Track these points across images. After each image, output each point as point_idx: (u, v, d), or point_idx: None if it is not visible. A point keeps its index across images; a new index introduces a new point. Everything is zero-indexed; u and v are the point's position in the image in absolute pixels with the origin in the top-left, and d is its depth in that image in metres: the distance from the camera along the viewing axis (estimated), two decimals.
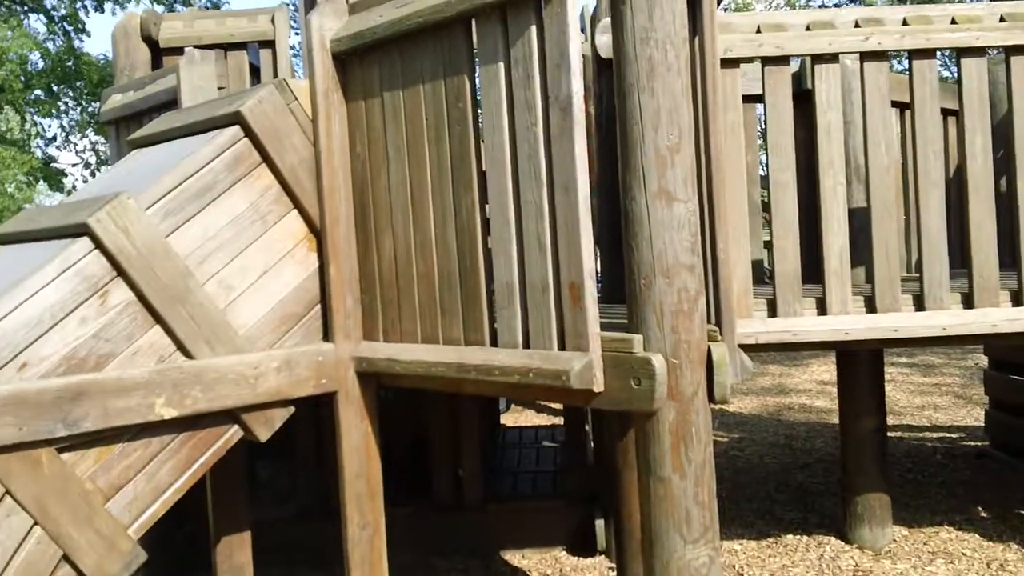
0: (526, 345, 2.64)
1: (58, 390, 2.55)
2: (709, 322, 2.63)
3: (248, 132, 3.02)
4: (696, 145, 2.68)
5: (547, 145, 2.51)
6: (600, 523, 4.48)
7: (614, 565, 4.28)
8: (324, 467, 4.66)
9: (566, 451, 5.05)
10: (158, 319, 2.80)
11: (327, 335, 3.17)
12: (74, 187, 17.61)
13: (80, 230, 2.70)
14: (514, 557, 4.66)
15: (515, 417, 7.98)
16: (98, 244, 2.69)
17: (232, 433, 2.96)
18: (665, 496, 2.47)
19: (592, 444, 5.02)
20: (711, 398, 2.51)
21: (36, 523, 2.53)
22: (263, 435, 3.00)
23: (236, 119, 3.02)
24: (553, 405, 8.22)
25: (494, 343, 2.74)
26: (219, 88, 4.01)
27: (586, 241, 2.45)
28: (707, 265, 2.69)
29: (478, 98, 2.76)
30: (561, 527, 4.64)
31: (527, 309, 2.63)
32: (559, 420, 7.48)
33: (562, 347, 2.54)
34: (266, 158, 3.06)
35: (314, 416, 4.52)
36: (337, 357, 3.12)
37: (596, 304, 2.47)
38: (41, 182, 17.23)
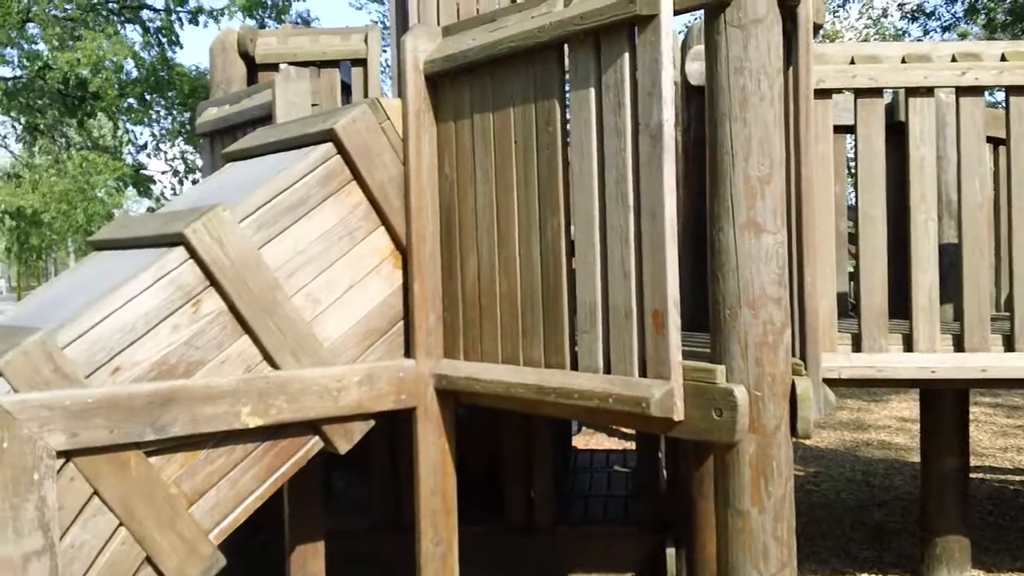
0: (607, 370, 2.63)
1: (149, 395, 2.63)
2: (793, 355, 2.59)
3: (341, 149, 3.09)
4: (786, 175, 2.64)
5: (635, 171, 2.51)
6: (671, 552, 4.42)
7: None
8: (398, 481, 4.71)
9: (638, 477, 5.00)
10: (247, 329, 2.87)
11: (408, 351, 3.21)
12: (162, 194, 18.20)
13: (176, 240, 2.79)
14: None
15: (586, 439, 7.94)
16: (193, 254, 2.78)
17: (313, 444, 3.02)
18: (743, 529, 2.43)
19: (665, 471, 4.96)
20: (793, 432, 2.47)
21: (121, 524, 2.62)
22: (343, 448, 3.05)
23: (330, 136, 3.09)
24: (624, 429, 8.15)
25: (574, 366, 2.74)
26: (312, 104, 4.11)
27: (671, 268, 2.44)
28: (793, 297, 2.65)
29: (567, 122, 2.77)
30: (632, 554, 4.59)
31: (609, 334, 2.62)
32: (630, 444, 7.42)
33: (643, 374, 2.53)
34: (357, 175, 3.13)
35: (389, 430, 4.57)
36: (418, 373, 3.16)
37: (679, 332, 2.45)
38: (130, 188, 17.88)
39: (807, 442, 8.24)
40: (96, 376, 2.59)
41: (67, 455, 2.50)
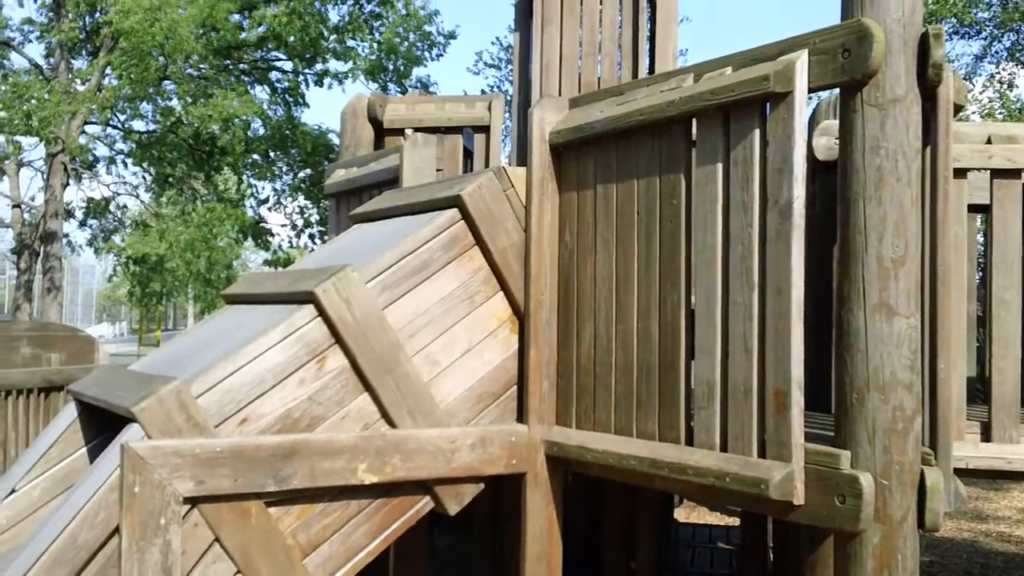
0: (723, 448, 2.58)
1: (273, 447, 2.72)
2: (923, 443, 2.49)
3: (465, 215, 3.17)
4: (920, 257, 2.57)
5: (761, 247, 2.49)
6: None
7: None
8: (499, 543, 4.69)
9: (744, 556, 4.83)
10: (367, 387, 2.94)
11: (521, 416, 3.22)
12: (279, 247, 18.86)
13: (306, 298, 2.90)
14: None
15: (687, 512, 7.74)
16: (321, 312, 2.87)
17: (424, 504, 3.04)
18: None
19: (772, 552, 4.79)
20: (920, 525, 2.36)
21: (239, 572, 2.68)
22: (453, 509, 3.06)
23: (456, 202, 3.17)
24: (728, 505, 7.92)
25: (689, 442, 2.70)
26: (437, 169, 4.24)
27: (796, 347, 2.39)
28: (924, 383, 2.56)
29: (691, 196, 2.78)
30: None
31: (727, 411, 2.58)
32: (733, 520, 7.20)
33: (762, 454, 2.47)
34: (479, 241, 3.20)
35: (492, 490, 4.58)
36: (529, 439, 3.16)
37: (802, 413, 2.39)
38: (249, 240, 18.60)
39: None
40: (225, 426, 2.69)
41: (193, 501, 2.59)
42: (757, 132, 2.50)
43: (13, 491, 3.12)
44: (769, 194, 2.46)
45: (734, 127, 2.57)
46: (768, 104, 2.47)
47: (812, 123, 3.84)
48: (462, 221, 3.19)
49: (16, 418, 7.89)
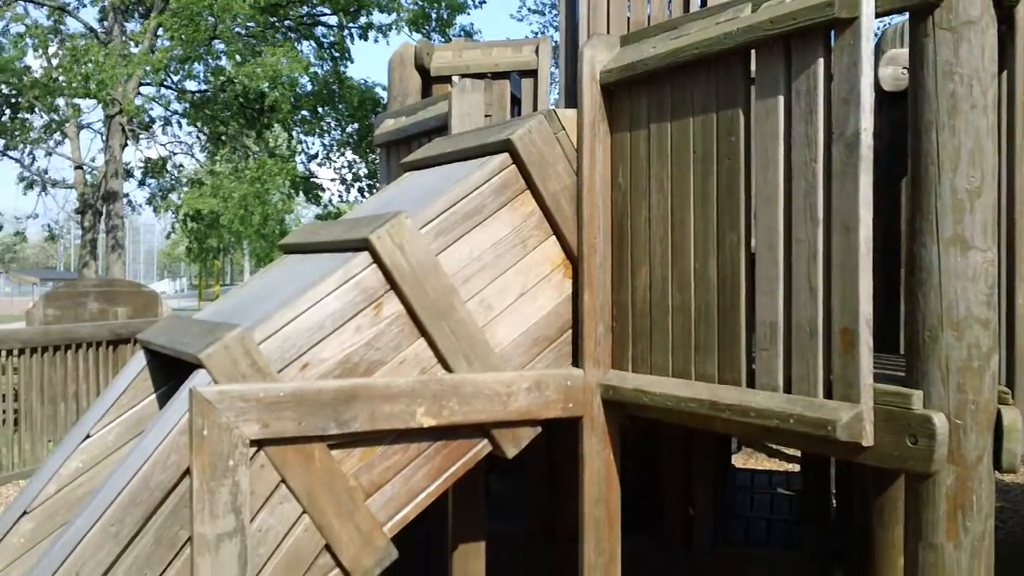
0: (787, 389, 2.54)
1: (334, 391, 2.75)
2: (1000, 382, 2.41)
3: (516, 159, 3.13)
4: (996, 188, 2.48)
5: (826, 182, 2.41)
6: None
7: None
8: (554, 488, 4.72)
9: (805, 501, 4.80)
10: (423, 332, 2.95)
11: (576, 361, 3.21)
12: (330, 201, 19.01)
13: (361, 245, 2.90)
14: None
15: (744, 459, 7.71)
16: (376, 259, 2.88)
17: (482, 447, 3.06)
18: (936, 565, 2.28)
19: (835, 497, 4.75)
20: (996, 466, 2.30)
21: (305, 512, 2.74)
22: (511, 452, 3.08)
23: (506, 147, 3.14)
24: (787, 451, 7.87)
25: (751, 384, 2.66)
26: (485, 115, 4.19)
27: (864, 285, 2.33)
28: (1000, 320, 2.47)
29: (750, 132, 2.70)
30: None
31: (791, 352, 2.53)
32: (791, 466, 7.15)
33: (828, 395, 2.42)
34: (531, 185, 3.16)
35: (547, 436, 4.59)
36: (585, 383, 3.15)
37: (871, 353, 2.34)
38: (300, 195, 18.79)
39: None
40: (287, 372, 2.73)
41: (259, 444, 2.64)
42: (821, 62, 2.41)
43: (88, 436, 3.22)
44: (834, 126, 2.38)
45: (796, 57, 2.48)
46: (832, 32, 2.38)
47: (877, 53, 3.70)
48: (513, 166, 3.15)
49: (87, 369, 8.14)
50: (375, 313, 2.89)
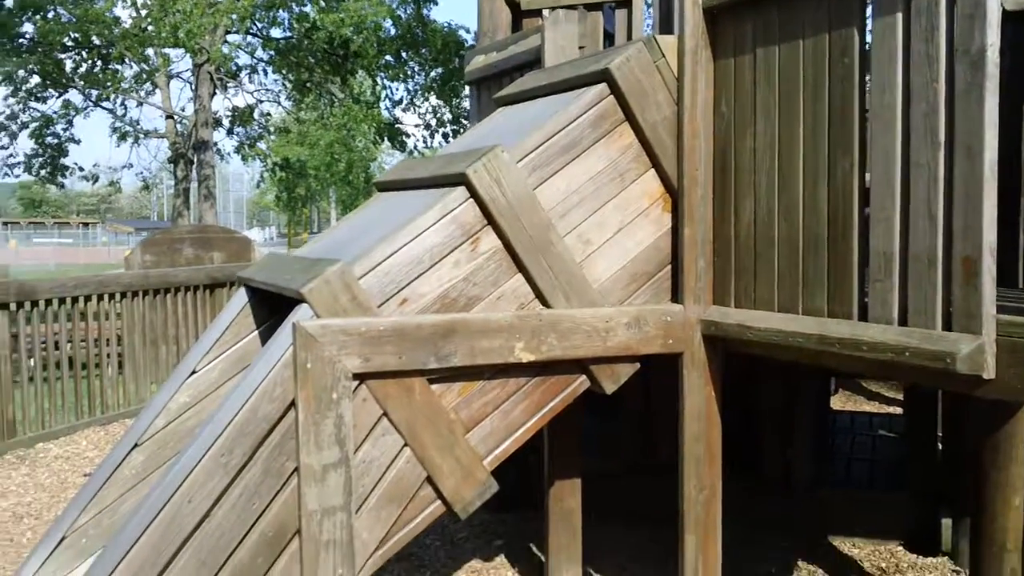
0: (902, 322, 2.44)
1: (433, 326, 2.75)
2: None
3: (614, 90, 3.05)
4: None
5: (948, 104, 2.28)
6: (947, 523, 4.11)
7: (961, 569, 3.92)
8: (650, 426, 4.70)
9: (909, 442, 4.66)
10: (520, 267, 2.92)
11: (676, 296, 3.15)
12: (415, 147, 19.08)
13: (458, 180, 2.88)
14: (843, 545, 4.41)
15: (843, 402, 7.54)
16: (473, 193, 2.85)
17: (580, 383, 3.04)
18: None
19: (940, 437, 4.60)
20: None
21: (406, 444, 2.77)
22: (609, 388, 3.05)
23: (603, 77, 3.06)
24: (887, 393, 7.67)
25: (863, 317, 2.56)
26: (579, 48, 4.09)
27: (989, 211, 2.20)
28: None
29: (866, 53, 2.56)
30: (899, 521, 4.31)
31: (907, 283, 2.42)
32: (892, 409, 6.97)
33: (947, 327, 2.31)
34: (629, 116, 3.08)
35: (643, 374, 4.55)
36: (685, 318, 3.09)
37: (994, 282, 2.22)
38: (385, 141, 18.90)
39: None
40: (386, 306, 2.75)
41: (361, 378, 2.67)
42: None
43: (194, 372, 3.32)
44: (957, 44, 2.23)
45: None
46: None
47: None
48: (611, 96, 3.07)
49: (185, 312, 8.42)
50: (472, 248, 2.88)
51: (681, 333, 3.09)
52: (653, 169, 3.14)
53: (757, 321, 2.88)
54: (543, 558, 4.18)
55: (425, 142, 19.23)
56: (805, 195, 2.76)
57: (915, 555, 4.24)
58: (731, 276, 3.06)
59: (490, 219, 2.87)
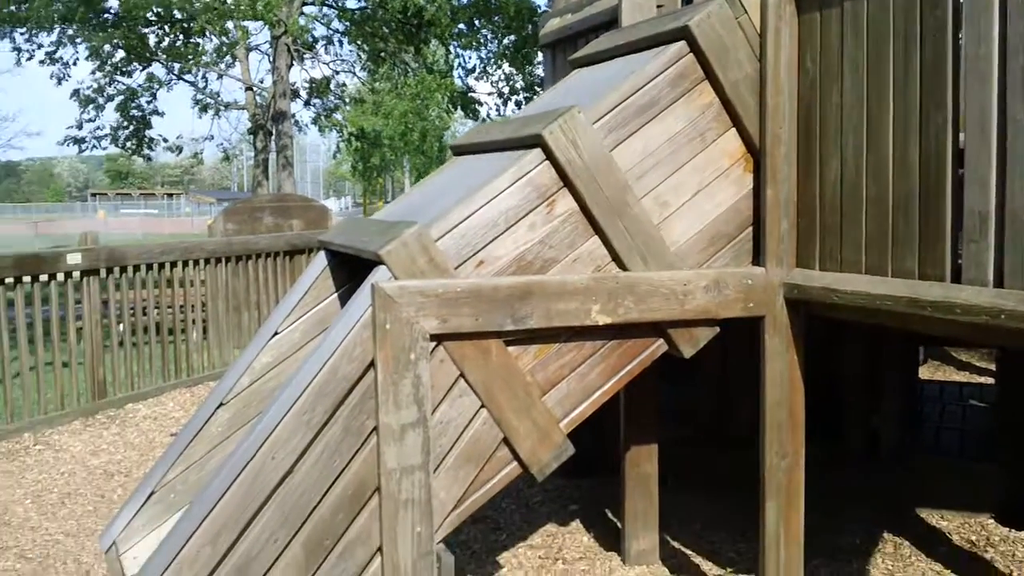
0: (997, 283, 2.34)
1: (510, 288, 2.75)
2: None
3: (694, 47, 2.98)
4: None
5: None
6: None
7: None
8: (728, 393, 4.64)
9: (1001, 412, 4.50)
10: (597, 230, 2.89)
11: (757, 259, 3.08)
12: (488, 116, 19.04)
13: (534, 141, 2.85)
14: (931, 516, 4.30)
15: (931, 371, 7.31)
16: (549, 155, 2.82)
17: (657, 346, 3.01)
18: None
19: None
20: None
21: (483, 406, 2.79)
22: (688, 352, 3.01)
23: (682, 34, 2.99)
24: (977, 363, 7.42)
25: (956, 279, 2.47)
26: (657, 7, 4.00)
27: None
28: None
29: (959, 5, 2.44)
30: (990, 493, 4.18)
31: (1003, 243, 2.32)
32: (982, 379, 6.75)
33: None
34: (709, 74, 3.01)
35: (721, 339, 4.49)
36: (767, 282, 3.02)
37: None
38: (458, 110, 18.89)
39: None
40: (463, 268, 2.75)
41: (438, 339, 2.69)
42: None
43: (276, 333, 3.38)
44: None
45: None
46: None
47: None
48: (690, 54, 3.00)
49: (266, 278, 8.60)
50: (548, 211, 2.86)
51: (762, 297, 3.03)
52: (734, 128, 3.07)
53: (843, 284, 2.80)
54: (619, 523, 4.18)
55: (498, 110, 19.15)
56: (895, 153, 2.66)
57: (1006, 528, 4.10)
58: (815, 238, 2.98)
59: (566, 181, 2.84)
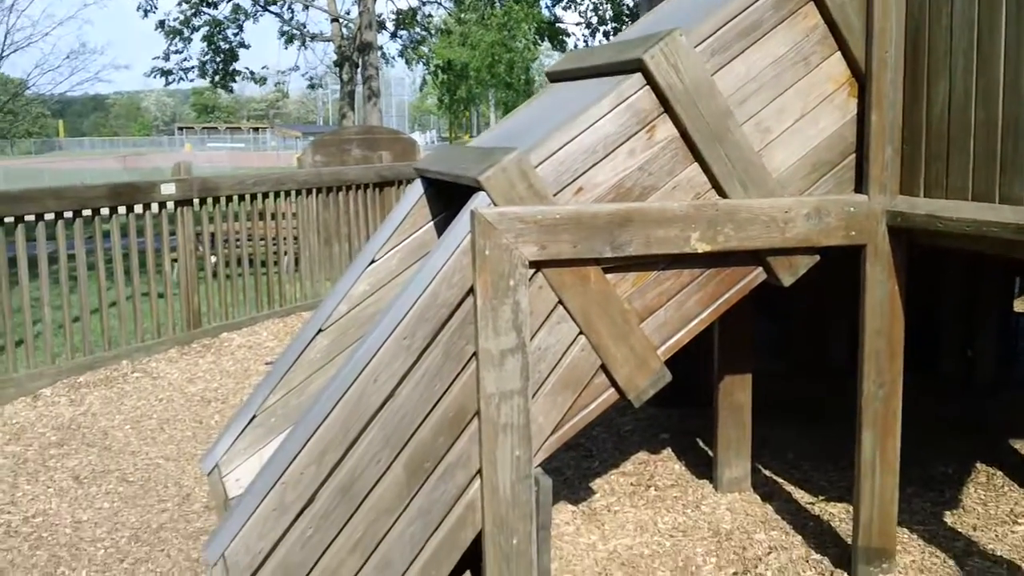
0: None
1: (609, 215, 2.77)
2: None
3: None
4: None
5: None
6: None
7: None
8: (819, 325, 4.59)
9: None
10: (697, 156, 2.87)
11: (859, 186, 3.02)
12: (575, 46, 18.76)
13: (634, 66, 2.83)
14: None
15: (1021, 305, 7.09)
16: (649, 80, 2.80)
17: (756, 274, 3.00)
18: None
19: None
20: None
21: (581, 332, 2.83)
22: (787, 280, 2.99)
23: None
24: None
25: None
26: None
27: None
28: None
29: None
30: None
31: None
32: None
33: None
34: None
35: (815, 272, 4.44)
36: (869, 209, 2.97)
37: None
38: (545, 41, 18.63)
39: None
40: (562, 195, 2.77)
41: (537, 265, 2.73)
42: None
43: (374, 260, 3.48)
44: None
45: None
46: None
47: None
48: None
49: (356, 210, 8.75)
50: (648, 137, 2.85)
51: (864, 224, 2.97)
52: (839, 52, 2.98)
53: (948, 211, 2.74)
54: (710, 452, 4.23)
55: (585, 41, 18.85)
56: (1006, 76, 2.56)
57: None
58: (920, 164, 2.90)
59: (666, 106, 2.82)
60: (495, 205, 2.68)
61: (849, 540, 3.44)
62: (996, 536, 3.48)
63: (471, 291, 2.68)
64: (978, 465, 4.11)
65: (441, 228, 3.50)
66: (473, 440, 2.76)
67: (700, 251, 2.85)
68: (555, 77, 3.53)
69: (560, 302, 2.79)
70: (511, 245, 2.67)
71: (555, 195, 2.75)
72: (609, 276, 2.83)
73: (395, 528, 2.74)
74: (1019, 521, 3.59)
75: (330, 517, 2.67)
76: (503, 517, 2.77)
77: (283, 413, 3.56)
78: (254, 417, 3.49)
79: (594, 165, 2.80)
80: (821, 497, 3.90)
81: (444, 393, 2.73)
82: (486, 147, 3.04)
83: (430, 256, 2.80)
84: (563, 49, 18.11)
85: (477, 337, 2.69)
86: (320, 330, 3.55)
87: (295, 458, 2.62)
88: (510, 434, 2.75)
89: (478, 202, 2.69)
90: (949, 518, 3.66)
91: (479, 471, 2.77)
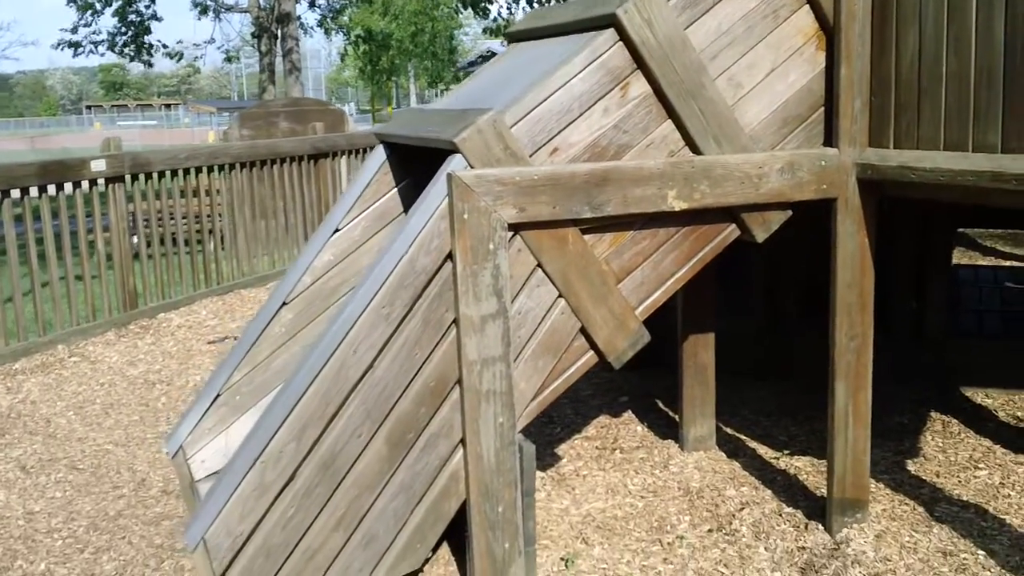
0: None
1: (587, 174, 2.71)
2: None
3: None
4: None
5: None
6: None
7: None
8: (779, 286, 4.64)
9: None
10: (671, 113, 2.84)
11: (829, 140, 3.03)
12: (498, 14, 18.54)
13: (606, 21, 2.77)
14: (975, 395, 4.36)
15: (958, 257, 7.31)
16: (623, 36, 2.75)
17: (730, 231, 2.99)
18: None
19: None
20: None
21: (560, 295, 2.78)
22: (760, 236, 2.99)
23: None
24: (1003, 248, 7.41)
25: None
26: None
27: None
28: None
29: None
30: None
31: None
32: (1011, 263, 6.75)
33: None
34: None
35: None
36: (840, 163, 2.98)
37: None
38: (467, 9, 18.36)
39: None
40: (537, 156, 2.71)
41: (516, 228, 2.67)
42: None
43: (337, 230, 3.36)
44: None
45: None
46: None
47: None
48: None
49: (291, 183, 8.51)
50: (622, 94, 2.79)
51: (836, 178, 2.99)
52: (808, 4, 2.97)
53: (921, 161, 2.76)
54: (671, 413, 4.24)
55: (508, 9, 18.66)
56: (979, 24, 2.58)
57: None
58: (890, 116, 2.92)
59: (640, 63, 2.77)
60: (471, 167, 2.60)
61: (819, 492, 3.49)
62: (960, 482, 3.57)
63: (450, 256, 2.61)
64: (933, 414, 4.22)
65: (405, 195, 3.40)
66: (455, 409, 2.70)
67: (678, 209, 2.82)
68: (516, 37, 3.45)
69: (539, 265, 2.74)
70: (490, 208, 2.59)
71: (531, 156, 2.69)
72: (587, 237, 2.78)
73: (378, 502, 2.67)
74: (979, 466, 3.70)
75: (312, 495, 2.58)
76: (488, 485, 2.72)
77: (248, 391, 3.44)
78: (218, 396, 3.36)
79: (569, 124, 2.74)
80: (785, 451, 3.95)
81: (424, 362, 2.66)
82: (455, 109, 2.95)
83: (407, 221, 2.71)
84: (486, 17, 17.92)
85: (457, 303, 2.62)
86: (284, 303, 3.43)
87: (274, 435, 2.52)
88: (493, 401, 2.69)
89: (454, 164, 2.60)
90: (911, 466, 3.74)
91: (462, 440, 2.72)
